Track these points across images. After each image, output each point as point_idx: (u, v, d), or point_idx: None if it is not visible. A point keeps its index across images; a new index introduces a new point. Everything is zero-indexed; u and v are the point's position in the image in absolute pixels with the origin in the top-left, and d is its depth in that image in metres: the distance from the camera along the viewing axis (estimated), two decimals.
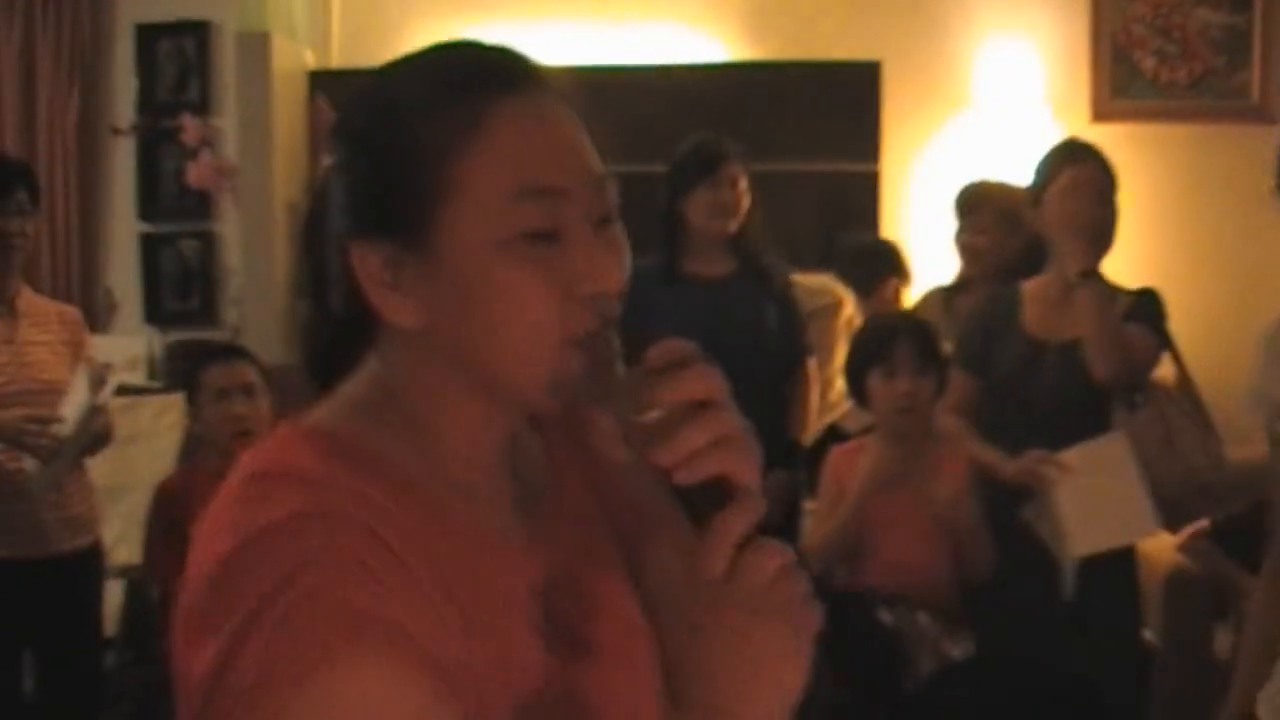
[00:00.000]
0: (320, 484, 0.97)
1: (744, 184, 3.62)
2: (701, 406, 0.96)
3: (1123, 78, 4.78)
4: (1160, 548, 3.63)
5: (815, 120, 4.65)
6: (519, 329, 1.00)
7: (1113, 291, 3.06)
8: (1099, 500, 2.88)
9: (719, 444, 0.96)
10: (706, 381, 0.97)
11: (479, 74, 1.03)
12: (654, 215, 3.58)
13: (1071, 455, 2.90)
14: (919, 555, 2.98)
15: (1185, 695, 3.45)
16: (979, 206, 3.82)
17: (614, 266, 1.03)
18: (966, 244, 3.86)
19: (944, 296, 3.98)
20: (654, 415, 0.97)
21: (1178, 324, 4.30)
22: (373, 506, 0.96)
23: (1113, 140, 4.69)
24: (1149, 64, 4.80)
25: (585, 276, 1.00)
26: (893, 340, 3.02)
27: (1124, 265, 4.34)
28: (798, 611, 0.96)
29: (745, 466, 0.97)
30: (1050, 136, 4.48)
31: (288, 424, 1.05)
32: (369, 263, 1.02)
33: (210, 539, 0.94)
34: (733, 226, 3.62)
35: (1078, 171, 3.10)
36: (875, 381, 3.02)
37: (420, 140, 1.01)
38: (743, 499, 0.96)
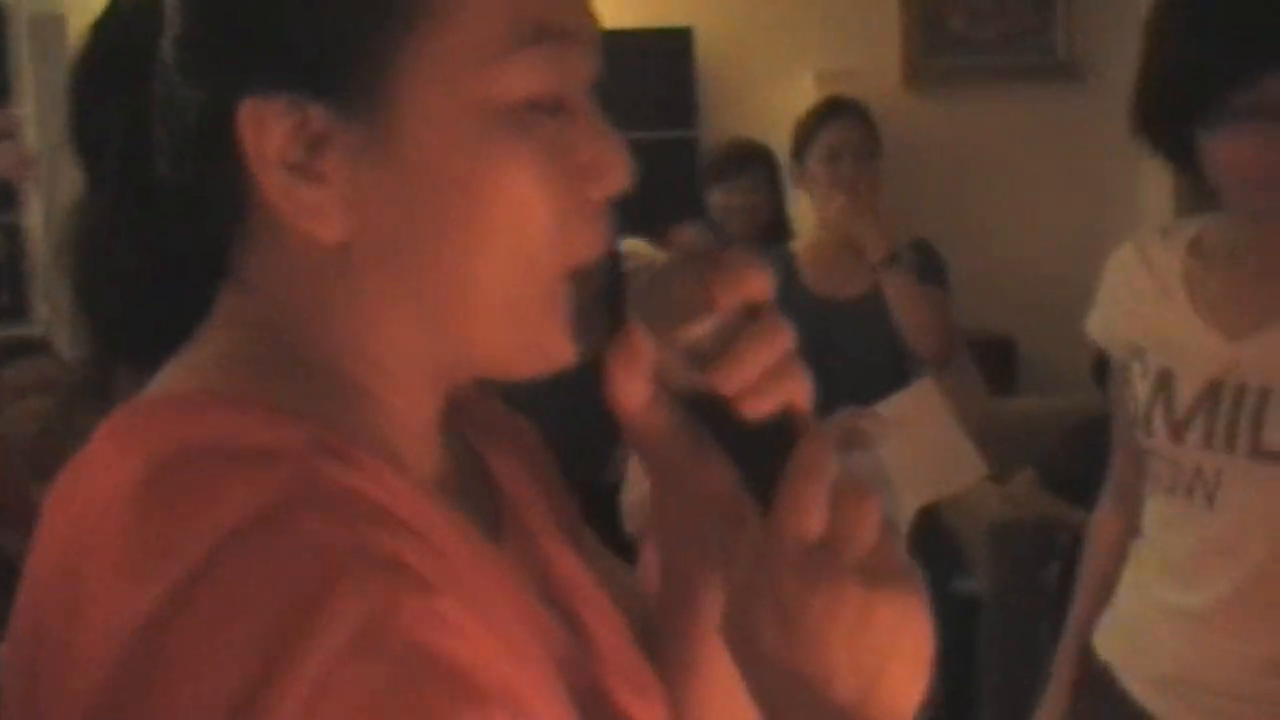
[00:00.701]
0: (285, 455, 0.63)
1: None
2: (755, 315, 0.71)
3: (933, 37, 4.83)
4: (983, 496, 3.70)
5: (631, 88, 4.63)
6: (515, 244, 0.69)
7: (908, 268, 3.13)
8: (921, 450, 2.91)
9: (786, 364, 0.71)
10: (764, 279, 0.72)
11: None
12: None
13: (885, 409, 2.93)
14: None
15: (1015, 639, 3.52)
16: (739, 167, 3.83)
17: (625, 158, 0.73)
18: (726, 204, 3.86)
19: None
20: (702, 327, 0.71)
21: (994, 277, 4.40)
22: (369, 489, 0.65)
23: (925, 100, 4.80)
24: (959, 24, 4.86)
25: (596, 170, 0.72)
26: None
27: (938, 221, 4.42)
28: (912, 574, 0.71)
29: (807, 393, 0.73)
30: (861, 98, 4.54)
31: (143, 403, 0.69)
32: (269, 133, 0.66)
33: (109, 585, 0.60)
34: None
35: (837, 130, 3.19)
36: None
37: None
38: (815, 435, 0.70)
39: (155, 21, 0.69)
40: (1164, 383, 1.81)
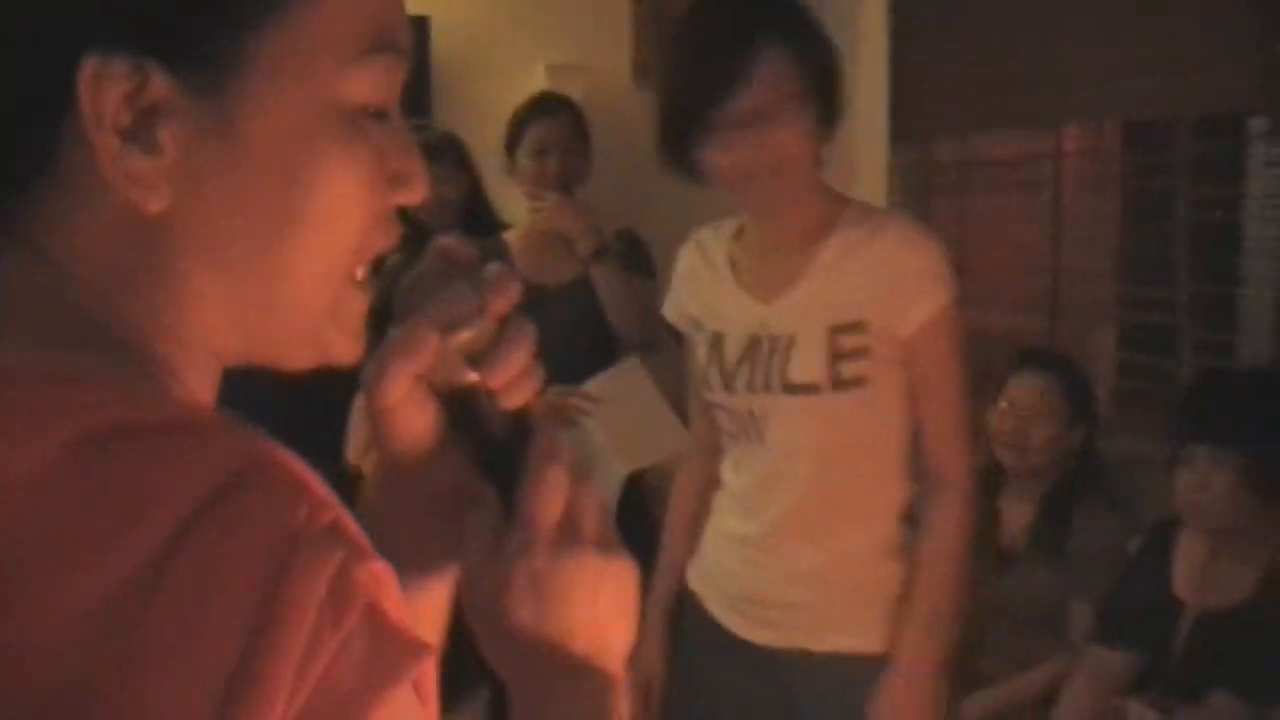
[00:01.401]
0: (207, 428, 0.63)
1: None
2: (509, 318, 0.82)
3: (663, 35, 4.96)
4: None
5: None
6: (334, 243, 0.72)
7: (615, 259, 3.28)
8: (630, 422, 3.05)
9: (533, 362, 0.82)
10: (518, 288, 0.83)
11: None
12: None
13: (593, 387, 3.05)
14: None
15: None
16: (444, 154, 3.88)
17: (424, 170, 0.77)
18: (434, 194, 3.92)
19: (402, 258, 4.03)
20: (475, 332, 0.81)
21: None
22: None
23: (653, 95, 4.93)
24: None
25: (403, 179, 0.75)
26: (407, 299, 3.12)
27: (663, 212, 4.57)
28: (620, 542, 0.83)
29: (541, 389, 0.84)
30: (592, 91, 4.65)
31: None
32: (106, 92, 0.65)
33: (54, 571, 0.57)
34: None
35: (546, 126, 3.33)
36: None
37: None
38: (551, 426, 0.82)
39: None
40: (716, 344, 2.19)
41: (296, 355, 0.74)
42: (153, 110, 0.66)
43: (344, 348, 0.76)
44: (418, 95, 4.66)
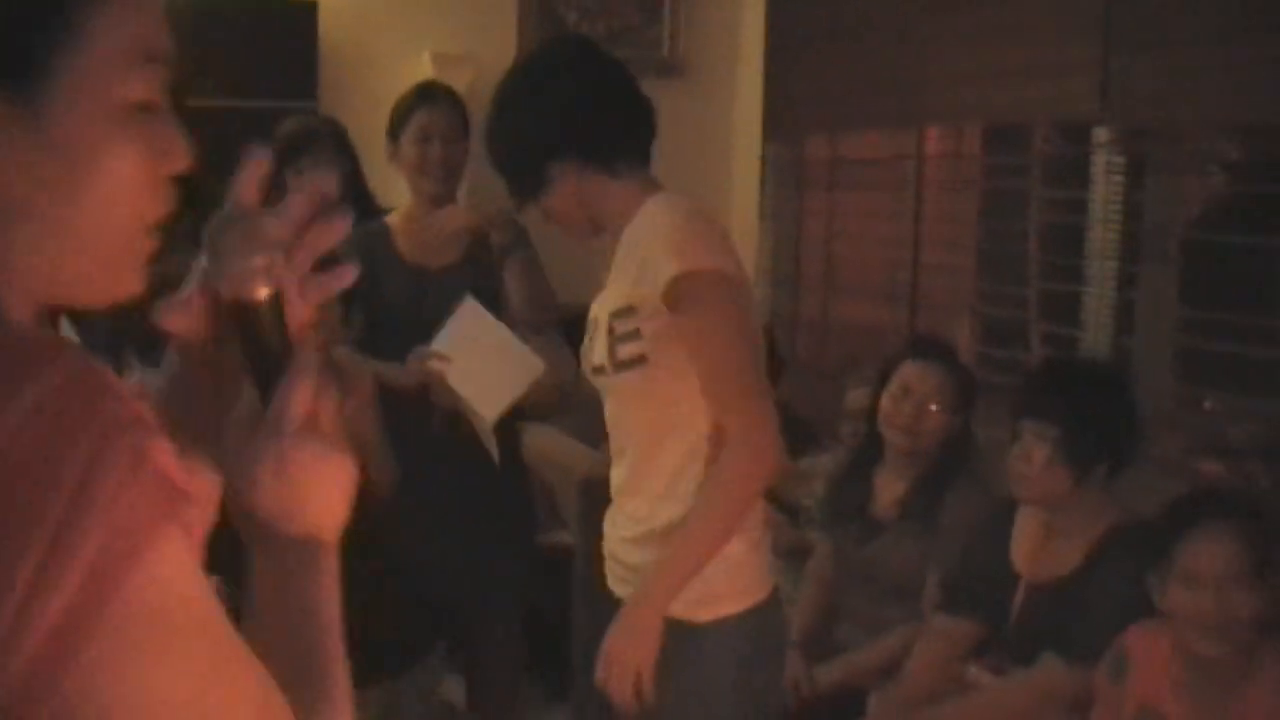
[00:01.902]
0: (53, 346, 0.84)
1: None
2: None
3: (546, 28, 5.09)
4: (578, 457, 3.99)
5: (256, 58, 4.69)
6: (119, 204, 0.93)
7: (532, 254, 3.41)
8: (484, 365, 3.18)
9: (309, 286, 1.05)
10: (291, 225, 1.04)
11: None
12: None
13: (440, 342, 3.17)
14: None
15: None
16: (324, 139, 3.96)
17: (187, 147, 0.96)
18: (299, 185, 3.99)
19: None
20: (266, 259, 1.01)
21: (586, 257, 4.70)
22: None
23: None
24: (571, 18, 5.15)
25: (171, 155, 0.95)
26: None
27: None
28: (331, 438, 1.04)
29: (307, 316, 1.06)
30: (475, 81, 4.76)
31: None
32: None
33: None
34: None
35: (429, 114, 3.44)
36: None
37: None
38: (308, 346, 1.03)
39: None
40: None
41: (98, 292, 0.96)
42: None
43: (132, 284, 0.97)
44: (304, 80, 4.74)
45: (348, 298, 3.22)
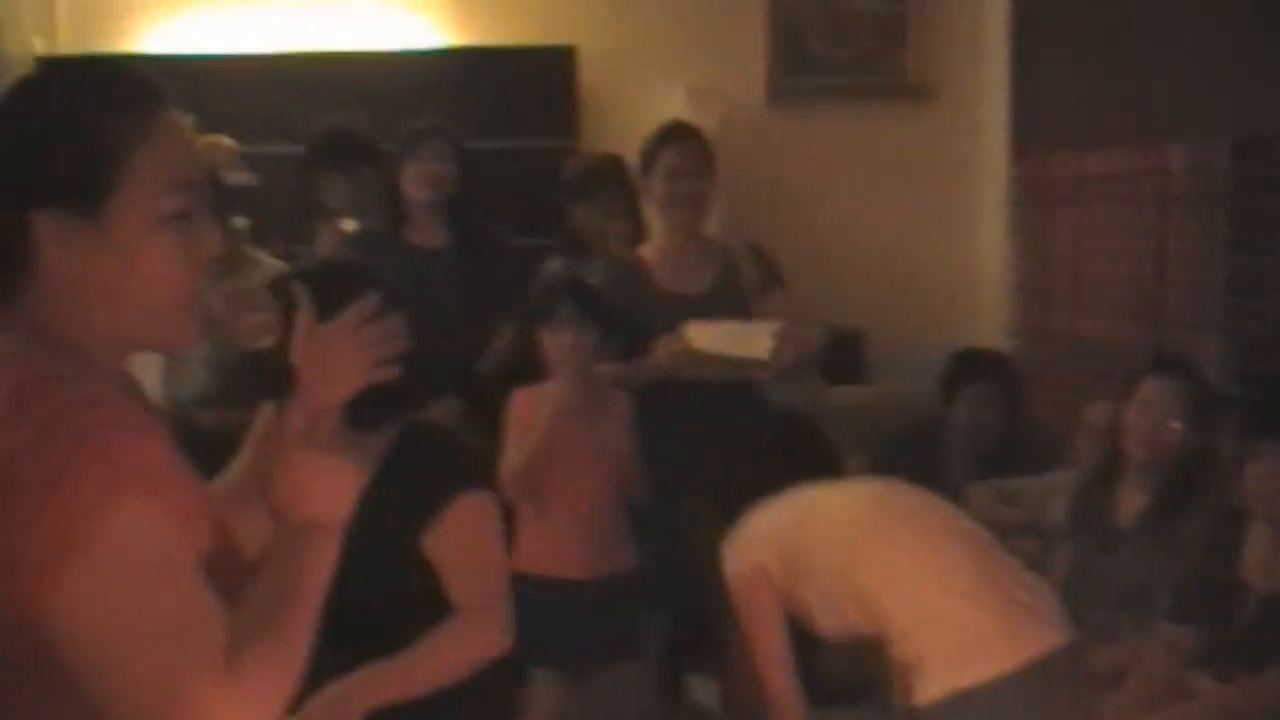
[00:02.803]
0: (80, 378, 1.29)
1: (448, 157, 3.99)
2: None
3: (794, 58, 5.28)
4: None
5: (519, 100, 5.02)
6: (165, 282, 1.35)
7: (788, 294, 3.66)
8: (730, 332, 3.45)
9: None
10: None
11: (143, 92, 1.37)
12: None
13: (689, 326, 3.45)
14: (595, 481, 3.44)
15: None
16: (595, 181, 4.21)
17: (217, 239, 1.40)
18: (586, 218, 4.26)
19: (565, 265, 4.30)
20: (261, 319, 1.50)
21: (843, 278, 4.86)
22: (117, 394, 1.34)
23: (786, 116, 5.26)
24: (819, 48, 5.32)
25: (203, 246, 1.37)
26: (555, 299, 3.44)
27: (794, 225, 4.89)
28: (327, 446, 1.44)
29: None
30: (728, 113, 4.98)
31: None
32: (46, 227, 1.30)
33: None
34: (438, 196, 3.99)
35: (676, 152, 3.66)
36: (546, 337, 3.43)
37: (106, 137, 1.32)
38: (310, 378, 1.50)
39: None
40: None
41: (158, 342, 1.44)
42: (67, 230, 1.31)
43: (180, 336, 1.41)
44: (564, 120, 5.05)
45: (607, 326, 3.50)
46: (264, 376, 1.48)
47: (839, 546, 2.63)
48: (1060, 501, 3.73)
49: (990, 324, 5.13)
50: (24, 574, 1.21)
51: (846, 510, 2.70)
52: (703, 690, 4.48)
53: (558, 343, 3.42)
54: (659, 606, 3.64)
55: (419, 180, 3.97)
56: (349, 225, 4.20)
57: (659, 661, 3.86)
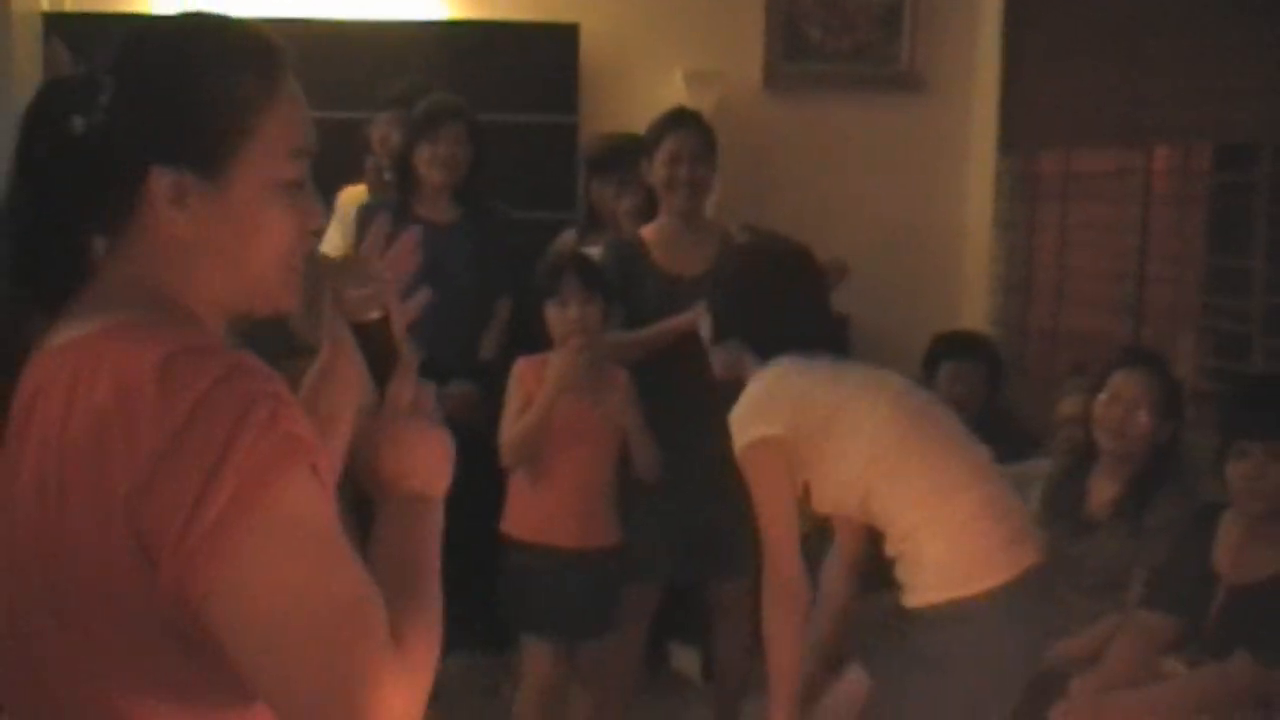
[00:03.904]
0: (223, 348, 1.26)
1: (464, 141, 4.08)
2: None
3: (792, 45, 5.37)
4: None
5: (522, 75, 5.09)
6: (277, 249, 1.34)
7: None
8: None
9: (400, 311, 1.51)
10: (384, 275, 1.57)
11: (271, 52, 1.33)
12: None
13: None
14: (593, 454, 3.55)
15: None
16: (615, 161, 4.32)
17: (320, 211, 1.40)
18: (602, 194, 4.37)
19: (579, 237, 4.40)
20: (368, 292, 1.49)
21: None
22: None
23: (783, 101, 5.35)
24: (816, 35, 5.41)
25: (312, 217, 1.37)
26: (560, 275, 3.54)
27: (789, 210, 4.99)
28: (431, 419, 1.45)
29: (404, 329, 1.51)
30: (725, 96, 5.07)
31: (115, 326, 1.25)
32: (165, 185, 1.27)
33: (149, 414, 1.18)
34: (451, 178, 4.09)
35: (679, 137, 3.76)
36: (551, 311, 3.53)
37: (231, 96, 1.29)
38: (409, 353, 1.47)
39: (82, 103, 1.29)
40: None
41: (262, 308, 1.38)
42: (184, 190, 1.29)
43: (287, 303, 1.39)
44: (566, 96, 5.13)
45: (610, 302, 3.60)
46: (370, 350, 1.45)
47: (865, 440, 2.72)
48: (1036, 490, 3.87)
49: (973, 314, 5.24)
50: (189, 548, 1.16)
51: (873, 406, 2.76)
52: (683, 658, 4.61)
53: (562, 316, 3.52)
54: (643, 579, 3.75)
55: (434, 163, 4.06)
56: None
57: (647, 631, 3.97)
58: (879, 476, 2.70)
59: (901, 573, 2.70)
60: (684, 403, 3.64)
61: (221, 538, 1.16)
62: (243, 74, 1.30)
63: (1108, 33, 4.57)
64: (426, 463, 1.40)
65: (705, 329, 3.07)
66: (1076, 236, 4.85)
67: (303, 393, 1.60)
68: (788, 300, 2.99)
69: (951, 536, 2.65)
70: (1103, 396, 3.44)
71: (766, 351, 2.89)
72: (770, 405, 2.79)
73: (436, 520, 1.40)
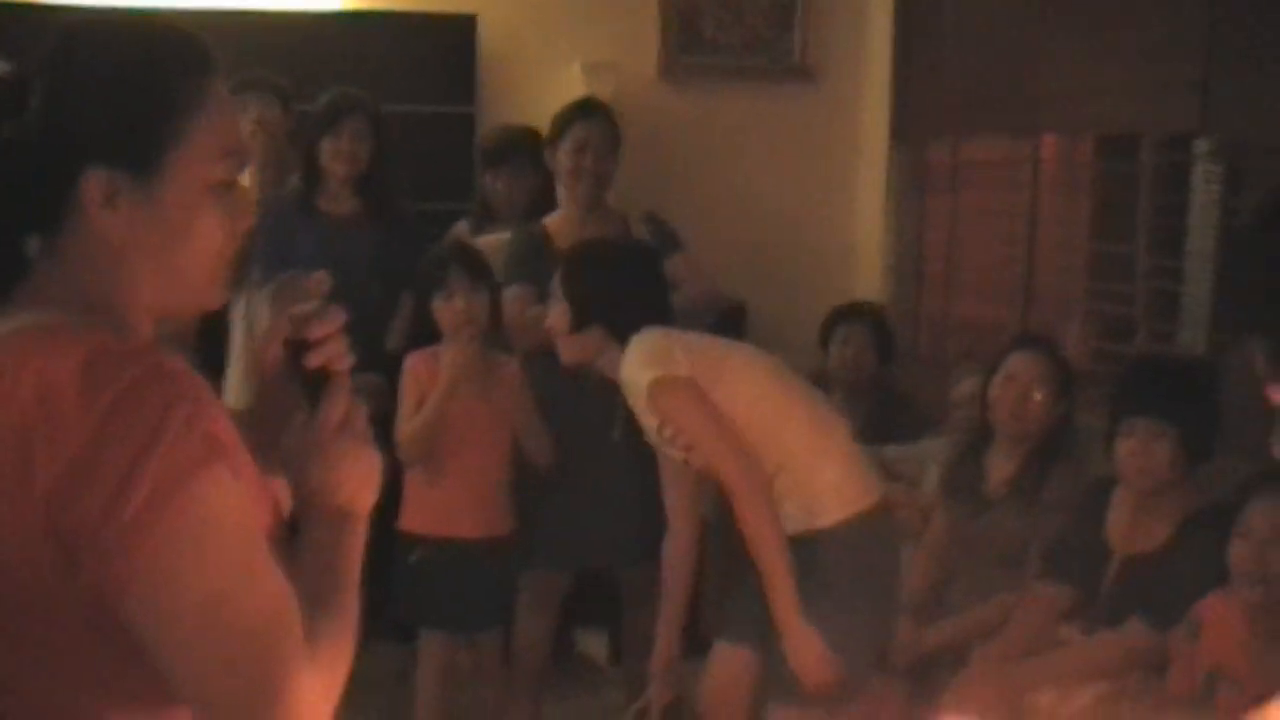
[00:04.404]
0: (147, 350, 1.28)
1: (366, 134, 4.08)
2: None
3: (686, 38, 5.43)
4: None
5: (419, 65, 5.09)
6: (208, 250, 1.35)
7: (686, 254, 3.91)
8: None
9: (335, 337, 1.44)
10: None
11: (201, 54, 1.35)
12: None
13: None
14: (487, 446, 3.59)
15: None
16: (509, 153, 4.38)
17: (253, 211, 1.42)
18: (494, 186, 4.41)
19: (472, 228, 4.45)
20: (306, 309, 1.44)
21: (729, 251, 5.02)
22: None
23: (678, 92, 5.41)
24: (708, 28, 5.47)
25: (242, 216, 1.37)
26: (445, 268, 3.56)
27: (683, 199, 5.04)
28: (361, 437, 1.43)
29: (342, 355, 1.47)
30: (620, 87, 5.12)
31: (40, 326, 1.27)
32: (97, 186, 1.27)
33: (70, 412, 1.19)
34: (354, 171, 4.09)
35: (585, 127, 3.83)
36: (438, 305, 3.55)
37: (168, 97, 1.29)
38: (340, 375, 1.45)
39: (10, 108, 1.29)
40: None
41: (191, 307, 1.40)
42: (116, 191, 1.29)
43: (214, 301, 1.41)
44: (464, 86, 5.14)
45: (496, 291, 3.64)
46: (300, 367, 1.43)
47: (750, 384, 3.05)
48: (932, 470, 3.98)
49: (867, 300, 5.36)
50: (107, 547, 1.18)
51: (753, 356, 3.18)
52: (589, 642, 4.67)
53: (450, 309, 3.54)
54: (550, 566, 3.80)
55: (337, 157, 4.06)
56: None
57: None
58: (770, 413, 3.02)
59: (795, 505, 2.97)
60: (590, 387, 3.69)
61: (138, 535, 1.18)
62: (175, 76, 1.31)
63: (996, 26, 4.70)
64: (353, 479, 1.40)
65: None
66: (966, 225, 4.98)
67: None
68: (646, 287, 3.24)
69: (839, 461, 3.03)
70: (998, 378, 3.56)
71: (628, 334, 3.08)
72: (666, 353, 3.02)
73: (359, 534, 1.42)
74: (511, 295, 3.76)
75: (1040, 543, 3.31)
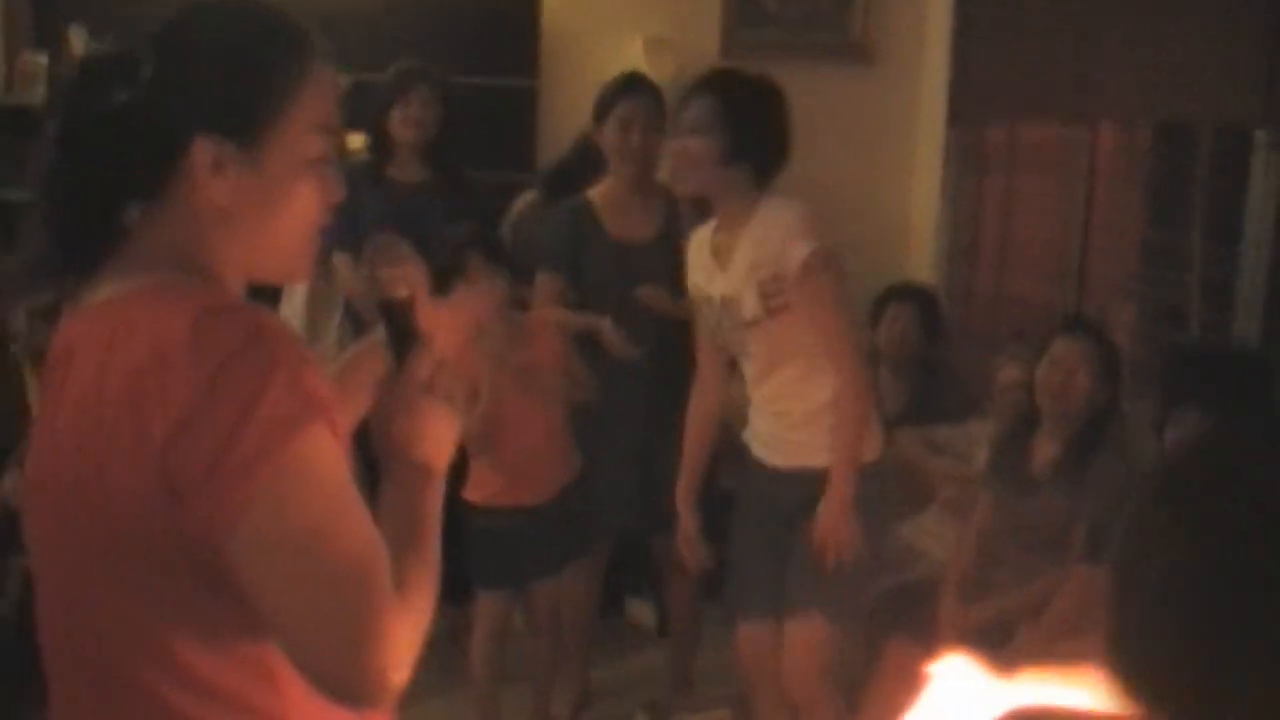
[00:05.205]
0: (251, 308, 1.38)
1: (433, 102, 4.16)
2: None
3: (748, 13, 5.47)
4: None
5: (483, 39, 5.16)
6: (302, 221, 1.45)
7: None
8: None
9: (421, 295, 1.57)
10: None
11: (304, 35, 1.44)
12: None
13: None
14: (529, 415, 3.68)
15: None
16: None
17: (342, 187, 1.49)
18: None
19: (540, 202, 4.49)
20: (398, 270, 1.59)
21: None
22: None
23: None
24: (771, 4, 5.50)
25: (333, 191, 1.47)
26: (464, 254, 3.62)
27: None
28: (443, 399, 1.51)
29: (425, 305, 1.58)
30: (682, 64, 5.15)
31: (149, 288, 1.37)
32: (206, 152, 1.36)
33: (182, 368, 1.28)
34: (422, 138, 4.17)
35: (630, 104, 3.75)
36: (458, 290, 3.59)
37: (275, 75, 1.40)
38: (427, 335, 1.53)
39: (123, 80, 1.37)
40: (711, 303, 3.21)
41: (280, 276, 1.52)
42: (224, 159, 1.38)
43: (302, 273, 1.52)
44: (526, 59, 5.20)
45: (561, 266, 3.71)
46: (394, 325, 1.53)
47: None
48: (981, 450, 4.03)
49: (920, 280, 5.38)
50: (216, 489, 1.27)
51: None
52: (639, 611, 4.75)
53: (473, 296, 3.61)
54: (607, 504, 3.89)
55: (406, 124, 4.15)
56: (355, 142, 4.36)
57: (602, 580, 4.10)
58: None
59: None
60: (634, 366, 3.76)
61: (246, 480, 1.27)
62: (281, 56, 1.41)
63: (1056, 10, 4.71)
64: (433, 436, 1.49)
65: (612, 337, 3.58)
66: (1020, 207, 5.00)
67: (337, 364, 1.72)
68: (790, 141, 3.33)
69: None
70: (1044, 361, 3.60)
71: (763, 185, 3.17)
72: (820, 228, 3.19)
73: (438, 489, 1.50)
74: (542, 280, 3.84)
75: (1084, 525, 3.36)
